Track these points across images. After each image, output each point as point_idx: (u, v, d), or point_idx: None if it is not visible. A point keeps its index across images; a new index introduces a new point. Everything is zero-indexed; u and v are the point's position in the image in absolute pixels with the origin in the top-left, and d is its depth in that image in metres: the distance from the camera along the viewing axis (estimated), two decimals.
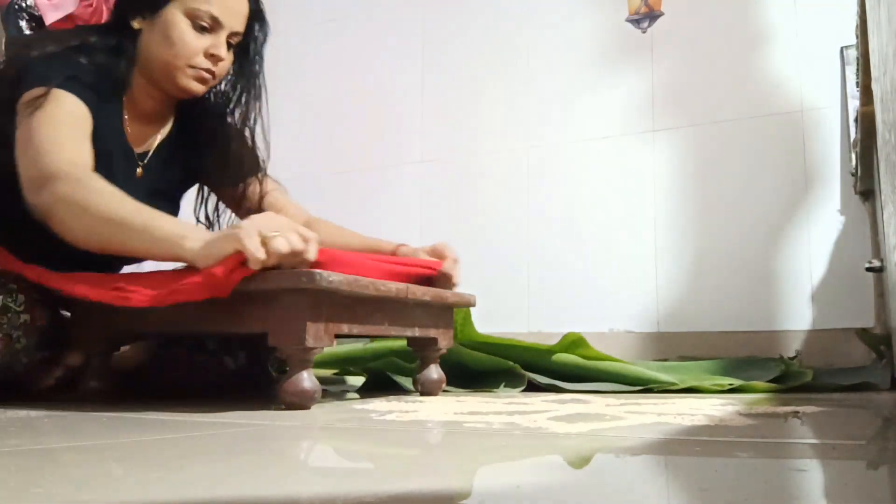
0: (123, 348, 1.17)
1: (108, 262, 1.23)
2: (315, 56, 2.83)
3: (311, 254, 0.95)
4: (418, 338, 1.22)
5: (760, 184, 2.12)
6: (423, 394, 1.24)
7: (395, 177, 2.65)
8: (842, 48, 2.05)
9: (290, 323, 0.94)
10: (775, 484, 0.51)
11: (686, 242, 2.19)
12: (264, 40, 1.27)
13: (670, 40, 2.28)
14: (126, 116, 1.21)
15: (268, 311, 0.95)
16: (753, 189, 2.12)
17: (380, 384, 1.42)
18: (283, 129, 2.88)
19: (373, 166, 2.70)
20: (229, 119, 1.29)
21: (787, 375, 1.47)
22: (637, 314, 2.21)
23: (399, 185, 2.63)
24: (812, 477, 0.53)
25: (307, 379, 0.96)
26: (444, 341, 1.26)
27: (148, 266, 1.20)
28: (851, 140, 1.89)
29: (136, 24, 1.18)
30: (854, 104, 1.86)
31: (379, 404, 1.05)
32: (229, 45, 1.20)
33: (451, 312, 1.29)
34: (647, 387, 1.35)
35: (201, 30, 1.16)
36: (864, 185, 1.81)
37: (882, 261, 1.55)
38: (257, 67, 1.28)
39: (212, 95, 1.29)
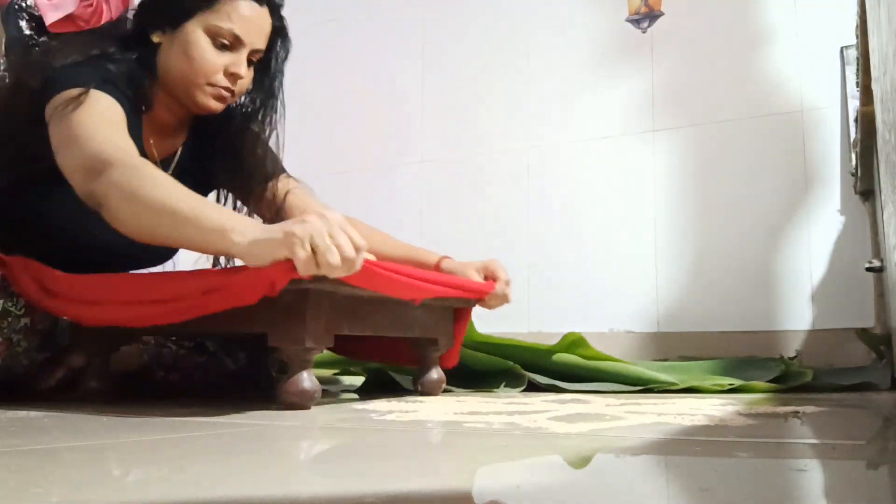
0: (123, 348, 1.17)
1: (109, 266, 1.24)
2: (315, 56, 2.83)
3: (359, 264, 0.88)
4: (419, 338, 1.22)
5: (760, 184, 2.12)
6: (423, 394, 1.24)
7: (395, 177, 2.65)
8: (842, 48, 2.05)
9: (290, 323, 0.94)
10: (775, 484, 0.51)
11: (686, 242, 2.19)
12: (286, 57, 1.26)
13: (670, 40, 2.28)
14: (147, 129, 1.20)
15: (268, 311, 0.95)
16: (753, 189, 2.12)
17: (380, 384, 1.42)
18: (283, 129, 2.89)
19: (373, 166, 2.70)
20: (249, 125, 1.27)
21: (787, 375, 1.47)
22: (637, 314, 2.21)
23: (399, 185, 2.64)
24: (812, 477, 0.53)
25: (307, 379, 0.96)
26: (445, 341, 1.26)
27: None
28: (851, 140, 1.89)
29: (155, 39, 1.16)
30: (854, 104, 1.86)
31: (379, 404, 1.05)
32: (250, 62, 1.18)
33: (452, 312, 1.29)
34: (647, 387, 1.35)
35: (222, 47, 1.14)
36: (864, 185, 1.81)
37: (882, 261, 1.55)
38: (277, 83, 1.27)
39: (229, 115, 1.27)
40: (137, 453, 0.64)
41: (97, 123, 1.02)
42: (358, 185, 2.70)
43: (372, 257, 0.94)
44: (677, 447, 0.66)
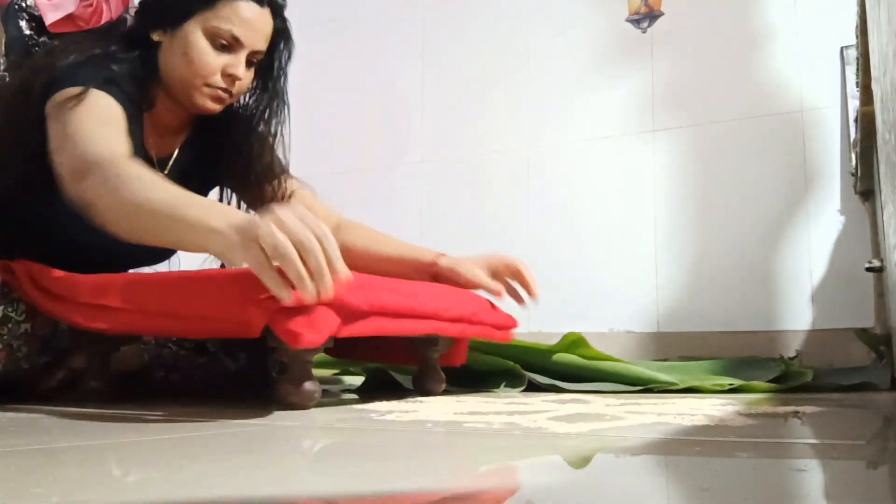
0: (123, 348, 1.17)
1: (109, 266, 1.24)
2: (315, 56, 2.83)
3: (326, 294, 0.81)
4: (418, 338, 1.21)
5: (760, 184, 2.12)
6: (423, 394, 1.24)
7: (396, 177, 2.65)
8: (842, 48, 2.05)
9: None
10: (775, 484, 0.51)
11: (686, 242, 2.19)
12: (289, 58, 1.25)
13: (670, 40, 2.28)
14: (148, 127, 1.20)
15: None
16: (753, 189, 2.12)
17: (380, 384, 1.42)
18: (289, 130, 2.89)
19: (373, 166, 2.70)
20: (253, 125, 1.27)
21: (788, 375, 1.47)
22: (637, 314, 2.21)
23: (399, 185, 2.64)
24: (812, 477, 0.53)
25: (307, 379, 0.96)
26: (445, 341, 1.25)
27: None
28: (851, 140, 1.89)
29: (155, 37, 1.16)
30: (854, 104, 1.86)
31: (379, 404, 1.05)
32: (250, 63, 1.18)
33: None
34: (647, 387, 1.35)
35: (221, 48, 1.13)
36: (864, 185, 1.81)
37: (882, 261, 1.55)
38: (281, 84, 1.27)
39: (232, 106, 1.27)
40: (137, 453, 0.64)
41: (93, 123, 1.01)
42: (358, 185, 2.70)
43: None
44: (677, 447, 0.66)
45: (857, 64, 1.34)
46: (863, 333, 1.83)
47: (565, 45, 2.43)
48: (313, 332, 0.87)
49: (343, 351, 1.32)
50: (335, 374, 1.73)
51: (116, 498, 0.45)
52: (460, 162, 2.55)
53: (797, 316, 2.04)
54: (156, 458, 0.61)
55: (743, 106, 2.17)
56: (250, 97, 1.27)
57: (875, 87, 1.12)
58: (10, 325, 1.04)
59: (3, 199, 1.15)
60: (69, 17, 2.08)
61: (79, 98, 1.03)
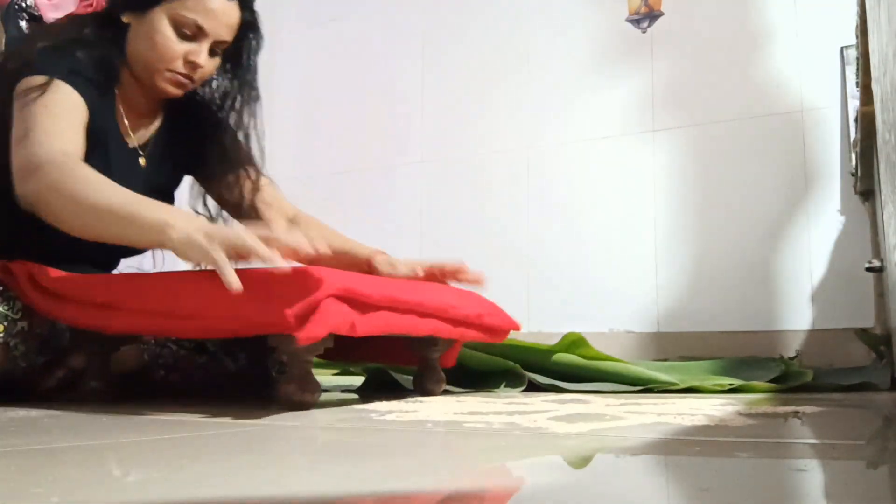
0: (123, 348, 1.17)
1: (103, 261, 1.24)
2: (315, 56, 2.83)
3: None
4: (418, 338, 1.21)
5: (760, 184, 2.12)
6: (423, 394, 1.24)
7: (395, 177, 2.65)
8: (842, 48, 2.05)
9: None
10: (775, 484, 0.51)
11: (686, 242, 2.19)
12: (258, 49, 1.28)
13: (670, 40, 2.28)
14: (120, 111, 1.23)
15: None
16: (753, 189, 2.13)
17: (380, 384, 1.42)
18: (284, 129, 2.89)
19: (373, 166, 2.70)
20: (222, 115, 1.30)
21: (788, 375, 1.47)
22: (637, 314, 2.21)
23: (399, 185, 2.64)
24: (812, 477, 0.53)
25: (307, 379, 0.96)
26: (445, 342, 1.25)
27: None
28: (851, 140, 1.89)
29: (125, 19, 1.20)
30: (854, 104, 1.86)
31: (379, 404, 1.05)
32: (215, 53, 1.21)
33: None
34: (647, 387, 1.35)
35: (184, 36, 1.17)
36: (864, 185, 1.81)
37: (882, 261, 1.55)
38: (251, 75, 1.29)
39: (203, 96, 1.31)
40: (137, 453, 0.64)
41: (50, 119, 1.05)
42: (358, 184, 2.71)
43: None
44: (677, 447, 0.66)
45: (857, 64, 1.34)
46: (863, 333, 1.83)
47: (565, 45, 2.43)
48: (320, 327, 0.87)
49: (343, 352, 1.32)
50: (335, 375, 1.73)
51: (116, 498, 0.45)
52: (460, 162, 2.55)
53: (797, 316, 2.04)
54: (156, 458, 0.61)
55: (743, 106, 2.17)
56: (218, 87, 1.30)
57: (875, 87, 1.12)
58: (6, 323, 1.04)
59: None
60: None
61: (42, 88, 1.07)
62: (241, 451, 0.66)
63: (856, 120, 1.62)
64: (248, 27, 1.24)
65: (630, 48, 2.33)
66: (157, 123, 1.30)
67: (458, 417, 0.88)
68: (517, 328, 1.31)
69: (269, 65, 2.89)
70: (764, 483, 0.51)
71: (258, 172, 1.34)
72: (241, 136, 1.29)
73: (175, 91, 1.20)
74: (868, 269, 1.60)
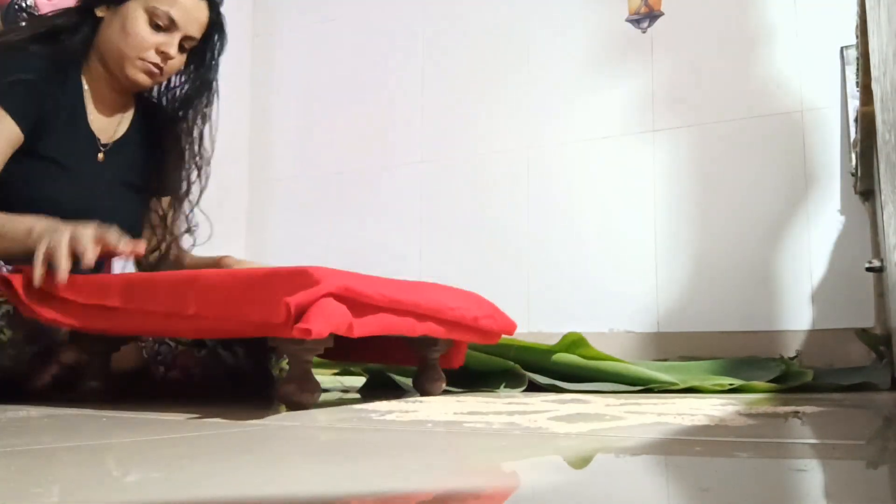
0: (122, 347, 1.17)
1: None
2: (315, 56, 2.83)
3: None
4: (418, 338, 1.21)
5: (760, 184, 2.12)
6: (423, 394, 1.24)
7: (395, 177, 2.65)
8: (842, 48, 2.05)
9: None
10: (775, 484, 0.51)
11: (686, 242, 2.19)
12: (221, 50, 1.36)
13: (670, 40, 2.28)
14: (90, 104, 1.29)
15: None
16: (753, 189, 2.13)
17: (380, 385, 1.42)
18: (284, 129, 2.89)
19: (373, 166, 2.70)
20: (179, 127, 1.37)
21: (788, 375, 1.47)
22: (637, 314, 2.21)
23: (399, 184, 2.64)
24: (812, 477, 0.53)
25: (307, 379, 0.96)
26: (444, 342, 1.25)
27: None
28: (851, 140, 1.89)
29: (99, 13, 1.27)
30: (854, 104, 1.86)
31: (379, 404, 1.05)
32: (183, 48, 1.28)
33: None
34: (647, 387, 1.35)
35: (157, 28, 1.24)
36: (864, 185, 1.81)
37: (882, 261, 1.55)
38: (213, 74, 1.37)
39: (167, 101, 1.39)
40: (137, 453, 0.64)
41: None
42: (358, 184, 2.71)
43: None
44: (677, 447, 0.66)
45: (857, 64, 1.34)
46: (863, 333, 1.83)
47: (565, 45, 2.43)
48: (323, 324, 0.87)
49: (343, 352, 1.32)
50: (335, 375, 1.73)
51: (116, 498, 0.45)
52: (460, 162, 2.55)
53: (797, 316, 2.04)
54: (156, 458, 0.61)
55: (743, 106, 2.17)
56: (181, 87, 1.37)
57: (875, 87, 1.12)
58: None
59: None
60: None
61: None
62: (241, 451, 0.66)
63: (856, 120, 1.62)
64: (215, 27, 1.32)
65: (630, 48, 2.33)
66: (127, 121, 1.35)
67: (458, 417, 0.88)
68: (512, 332, 1.31)
69: (269, 64, 2.89)
70: (764, 483, 0.51)
71: (184, 235, 1.41)
72: (196, 133, 1.37)
73: (145, 80, 1.27)
74: (868, 269, 1.60)
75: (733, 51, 2.20)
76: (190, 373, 1.29)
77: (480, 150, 2.52)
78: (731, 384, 1.33)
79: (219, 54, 1.35)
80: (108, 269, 1.38)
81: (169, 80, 1.37)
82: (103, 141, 1.31)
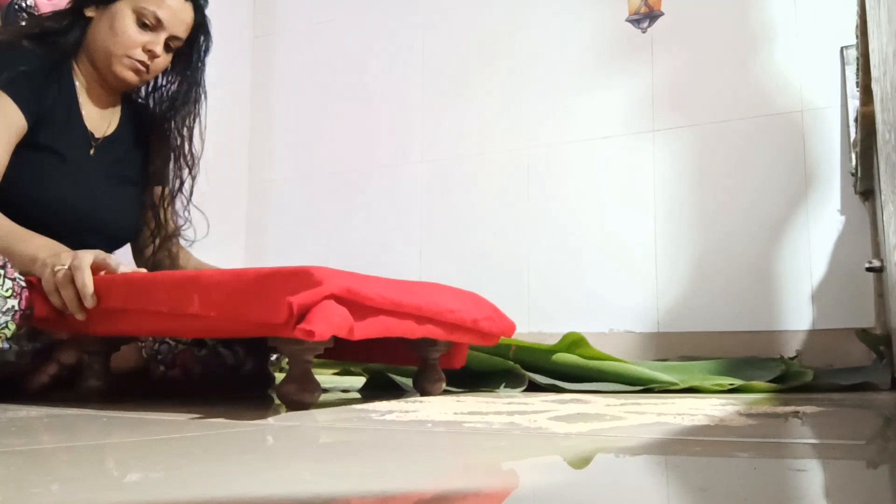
0: (122, 347, 1.17)
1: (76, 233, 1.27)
2: (315, 55, 2.83)
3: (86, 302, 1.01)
4: (418, 339, 1.21)
5: (760, 184, 2.12)
6: (423, 394, 1.24)
7: (395, 177, 2.65)
8: (842, 48, 2.05)
9: None
10: (775, 484, 0.51)
11: (686, 242, 2.19)
12: (207, 51, 1.40)
13: (670, 40, 2.28)
14: (82, 99, 1.32)
15: None
16: (753, 189, 2.12)
17: (380, 384, 1.42)
18: (284, 130, 2.89)
19: (373, 166, 2.70)
20: (167, 126, 1.41)
21: (788, 375, 1.47)
22: (637, 314, 2.21)
23: (399, 185, 2.64)
24: (812, 477, 0.53)
25: (307, 379, 0.96)
26: (444, 342, 1.25)
27: None
28: (851, 140, 1.89)
29: (88, 13, 1.31)
30: (854, 104, 1.86)
31: (379, 404, 1.05)
32: (168, 48, 1.32)
33: None
34: (647, 387, 1.35)
35: (144, 27, 1.28)
36: (864, 185, 1.81)
37: (882, 261, 1.55)
38: (199, 75, 1.41)
39: (153, 101, 1.43)
40: (137, 453, 0.64)
41: None
42: (358, 185, 2.70)
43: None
44: (677, 447, 0.66)
45: (857, 64, 1.34)
46: (863, 333, 1.83)
47: (565, 45, 2.43)
48: (325, 326, 0.87)
49: (343, 352, 1.32)
50: (335, 375, 1.73)
51: (116, 498, 0.45)
52: (460, 162, 2.55)
53: (797, 316, 2.04)
54: (156, 458, 0.61)
55: (743, 106, 2.17)
56: (168, 87, 1.41)
57: (875, 87, 1.12)
58: None
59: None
60: None
61: None
62: (242, 451, 0.66)
63: (856, 120, 1.62)
64: (200, 29, 1.37)
65: (630, 48, 2.33)
66: (116, 120, 1.39)
67: (458, 417, 0.88)
68: (511, 333, 1.31)
69: (269, 64, 2.89)
70: (764, 483, 0.51)
71: (177, 238, 1.45)
72: (185, 132, 1.40)
73: (132, 77, 1.31)
74: (868, 269, 1.60)
75: (733, 51, 2.19)
76: (190, 372, 1.29)
77: (480, 150, 2.52)
78: (731, 384, 1.33)
79: (205, 55, 1.40)
80: None
81: (156, 80, 1.41)
82: (96, 135, 1.34)
